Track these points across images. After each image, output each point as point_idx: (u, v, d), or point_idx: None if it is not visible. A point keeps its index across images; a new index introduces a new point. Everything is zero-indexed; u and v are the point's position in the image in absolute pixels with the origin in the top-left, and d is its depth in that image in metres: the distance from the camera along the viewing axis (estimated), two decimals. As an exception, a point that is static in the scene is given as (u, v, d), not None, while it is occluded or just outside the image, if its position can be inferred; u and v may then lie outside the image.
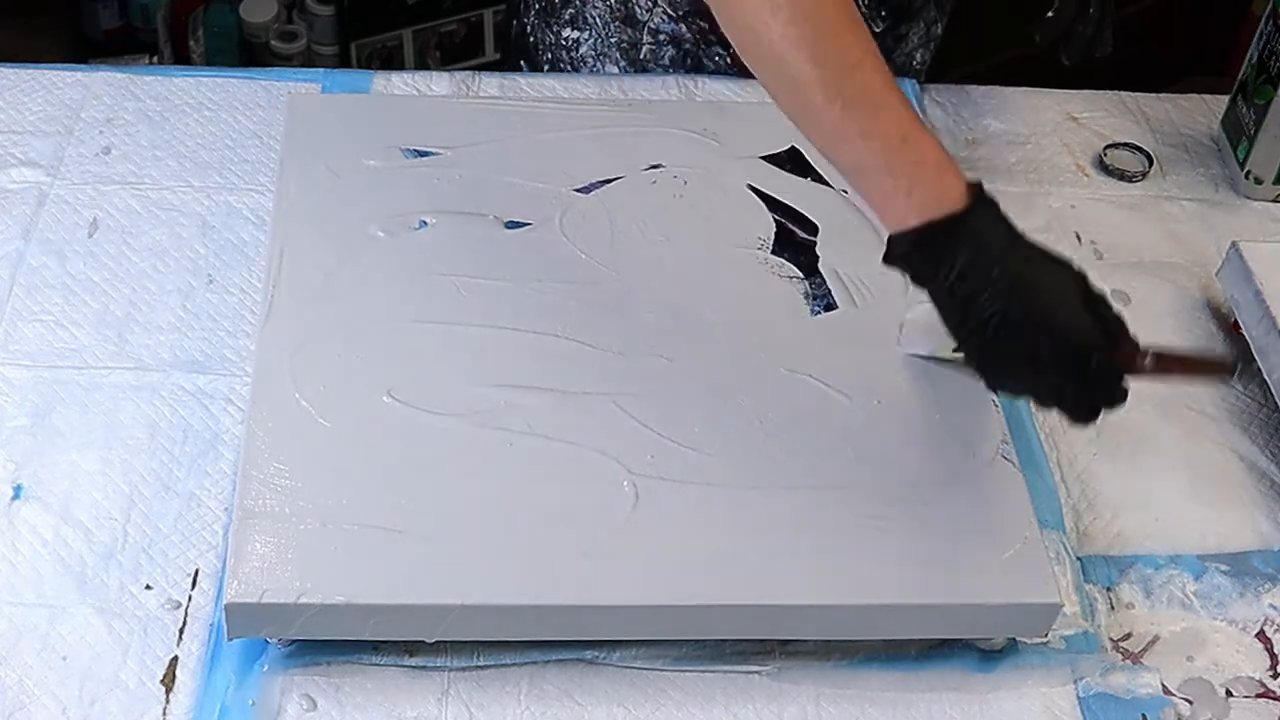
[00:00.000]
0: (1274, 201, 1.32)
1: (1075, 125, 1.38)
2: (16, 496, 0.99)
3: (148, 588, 0.95)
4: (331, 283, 1.06)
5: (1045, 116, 1.38)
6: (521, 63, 1.43)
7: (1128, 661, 0.97)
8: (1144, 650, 0.98)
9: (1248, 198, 1.32)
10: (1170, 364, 0.93)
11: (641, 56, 1.36)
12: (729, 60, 1.34)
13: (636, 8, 1.34)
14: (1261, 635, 0.99)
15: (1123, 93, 1.42)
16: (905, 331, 1.03)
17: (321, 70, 1.38)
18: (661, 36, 1.36)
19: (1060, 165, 1.34)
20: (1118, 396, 0.87)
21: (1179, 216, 1.30)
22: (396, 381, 0.99)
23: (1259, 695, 0.96)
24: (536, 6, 1.39)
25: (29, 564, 0.96)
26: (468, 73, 1.35)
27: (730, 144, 1.21)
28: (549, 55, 1.39)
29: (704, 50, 1.35)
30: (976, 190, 0.88)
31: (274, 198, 1.13)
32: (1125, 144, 1.35)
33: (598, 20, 1.35)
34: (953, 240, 0.86)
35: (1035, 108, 1.39)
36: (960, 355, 0.91)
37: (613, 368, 1.02)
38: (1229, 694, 0.96)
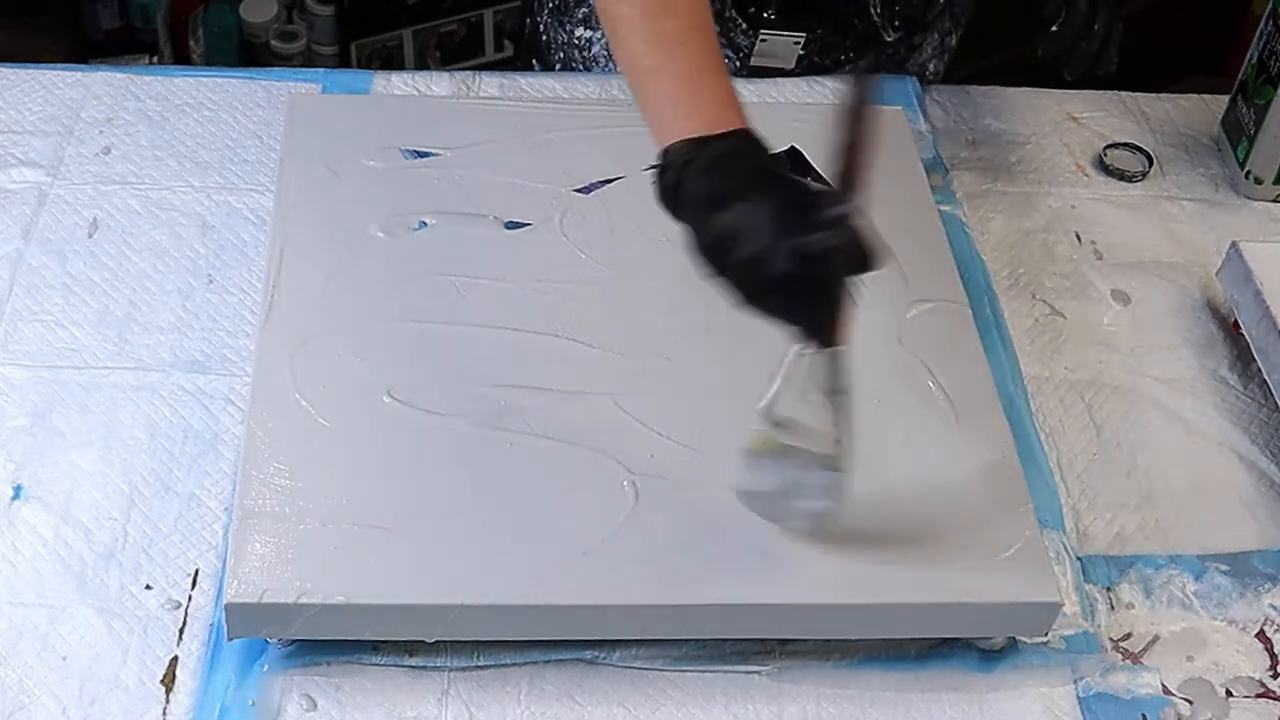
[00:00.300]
0: (1274, 201, 1.32)
1: (1075, 125, 1.38)
2: (16, 496, 0.99)
3: (148, 588, 0.95)
4: (331, 283, 1.06)
5: (1045, 116, 1.38)
6: (534, 61, 1.43)
7: (1128, 661, 0.97)
8: (1144, 650, 0.98)
9: (1248, 198, 1.32)
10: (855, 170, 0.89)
11: None
12: (738, 65, 1.34)
13: None
14: (1261, 635, 0.99)
15: (1123, 93, 1.42)
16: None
17: (321, 70, 1.38)
18: None
19: (1060, 165, 1.34)
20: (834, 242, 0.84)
21: (1179, 216, 1.30)
22: (396, 381, 0.99)
23: (1259, 695, 0.96)
24: (550, 5, 1.39)
25: (29, 564, 0.96)
26: (468, 73, 1.35)
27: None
28: (561, 54, 1.39)
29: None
30: (745, 129, 0.88)
31: (274, 198, 1.13)
32: (1125, 144, 1.35)
33: None
34: (700, 158, 0.86)
35: (1035, 108, 1.39)
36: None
37: (613, 368, 1.02)
38: (1229, 694, 0.96)
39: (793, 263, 0.83)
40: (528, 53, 1.44)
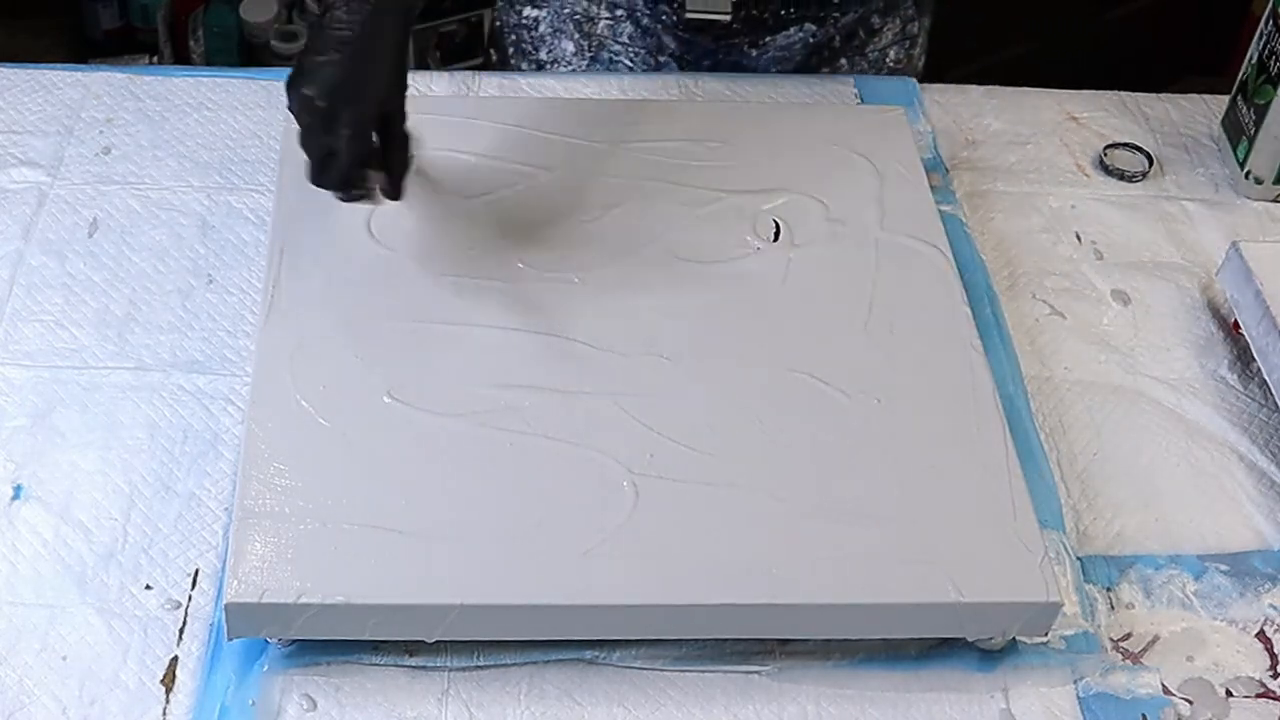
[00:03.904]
0: (1274, 201, 1.32)
1: (1075, 125, 1.38)
2: (16, 496, 0.99)
3: (148, 588, 0.95)
4: (331, 283, 1.06)
5: (1045, 116, 1.38)
6: (492, 52, 1.43)
7: (1128, 661, 0.97)
8: (1144, 650, 0.98)
9: (1248, 198, 1.32)
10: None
11: (599, 30, 1.36)
12: (675, 19, 1.33)
13: None
14: (1261, 635, 0.99)
15: (1123, 93, 1.42)
16: None
17: (321, 70, 1.38)
18: (619, 11, 1.35)
19: (1060, 165, 1.34)
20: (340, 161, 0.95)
21: (1179, 216, 1.30)
22: (396, 381, 0.99)
23: (1259, 695, 0.96)
24: None
25: (29, 564, 0.96)
26: (468, 73, 1.35)
27: (730, 143, 1.21)
28: (513, 37, 1.40)
29: (654, 12, 1.34)
30: None
31: (274, 198, 1.13)
32: (1125, 144, 1.35)
33: None
34: None
35: (1035, 108, 1.39)
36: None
37: (613, 368, 1.02)
38: (1229, 694, 0.96)
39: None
40: (490, 47, 1.44)
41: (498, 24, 1.42)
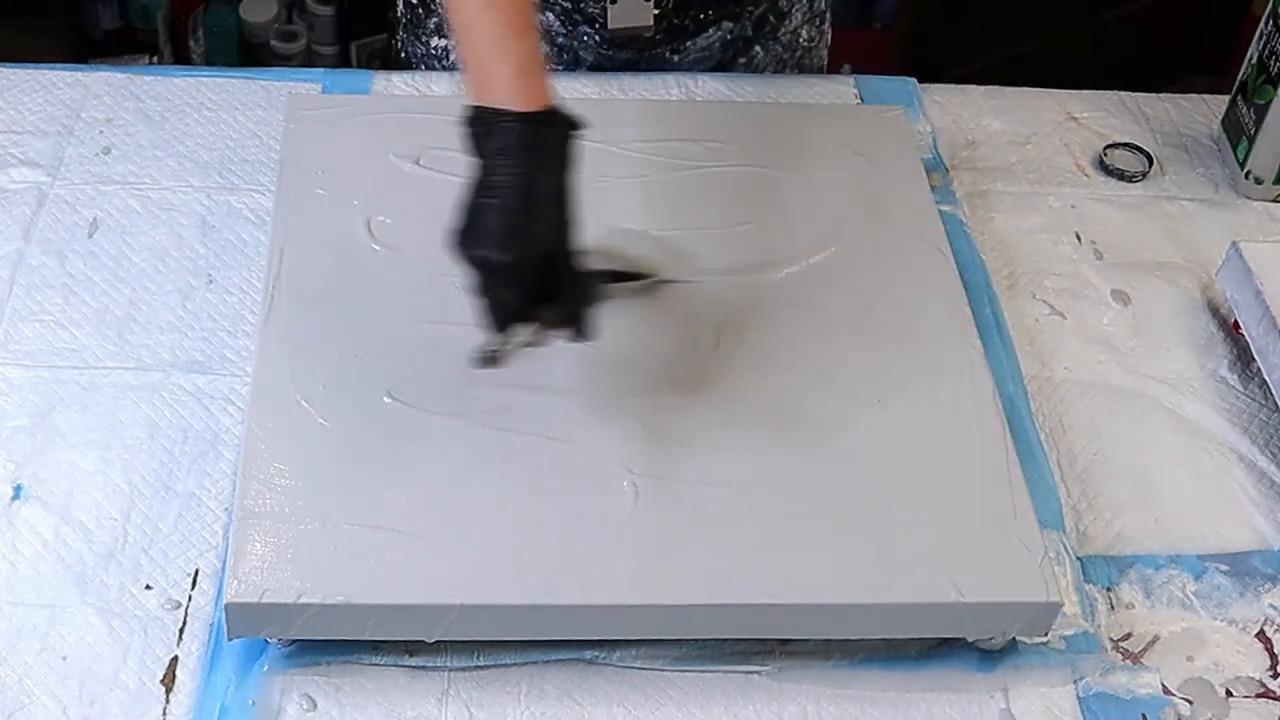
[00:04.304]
0: (1274, 201, 1.32)
1: (1075, 125, 1.38)
2: (16, 496, 0.99)
3: (148, 588, 0.95)
4: (331, 283, 1.06)
5: (1045, 116, 1.38)
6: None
7: (1128, 661, 0.97)
8: (1144, 650, 0.98)
9: (1248, 198, 1.32)
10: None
11: None
12: (599, 39, 1.34)
13: None
14: (1261, 635, 0.99)
15: (1123, 93, 1.42)
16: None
17: (321, 70, 1.38)
18: None
19: (1060, 165, 1.34)
20: (509, 312, 0.93)
21: (1179, 216, 1.30)
22: (396, 381, 0.99)
23: (1259, 695, 0.96)
24: (405, 19, 1.39)
25: (29, 564, 0.96)
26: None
27: (730, 143, 1.21)
28: (422, 68, 1.39)
29: (575, 30, 1.34)
30: (557, 109, 0.93)
31: (274, 198, 1.13)
32: (1125, 144, 1.35)
33: None
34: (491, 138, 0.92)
35: (1035, 108, 1.39)
36: None
37: (612, 368, 1.02)
38: (1229, 694, 0.96)
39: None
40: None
41: (402, 55, 1.41)
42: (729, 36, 1.36)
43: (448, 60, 1.38)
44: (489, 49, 0.94)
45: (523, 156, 0.91)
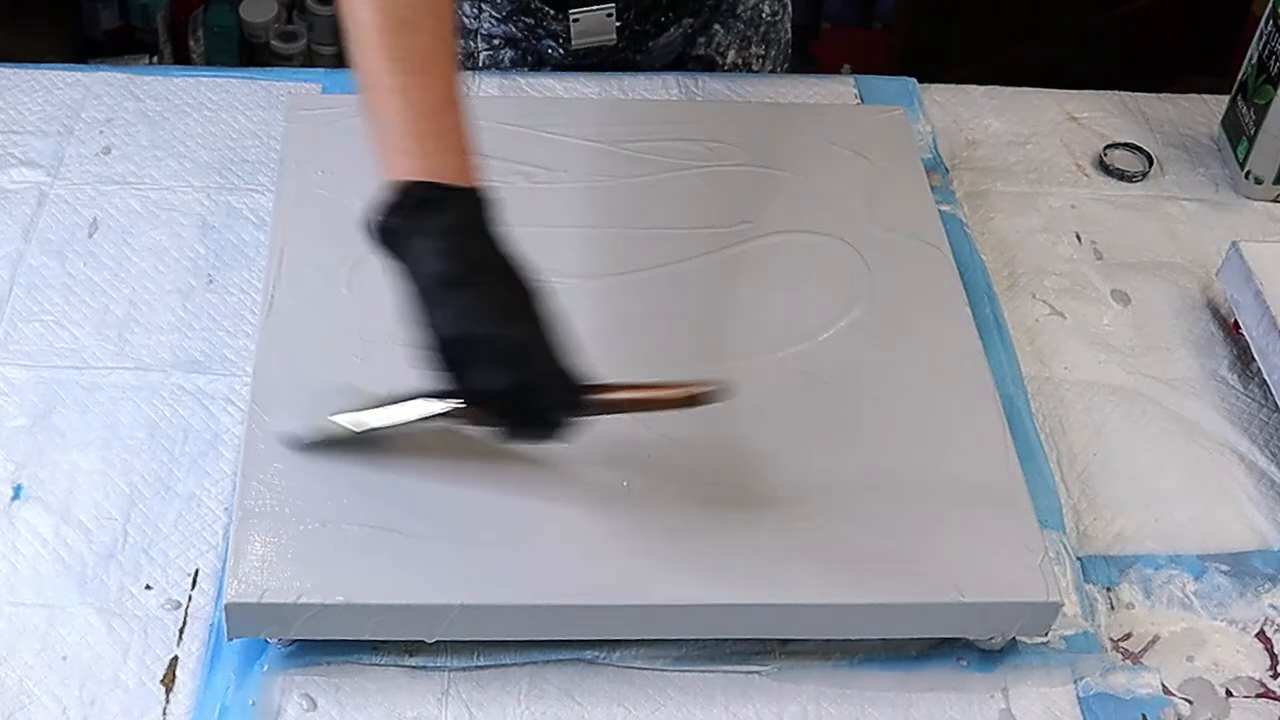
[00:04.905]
0: (1274, 201, 1.32)
1: (1075, 125, 1.38)
2: (16, 496, 0.99)
3: (148, 588, 0.95)
4: (331, 283, 1.06)
5: (1045, 116, 1.38)
6: None
7: (1128, 661, 0.97)
8: (1144, 650, 0.98)
9: (1248, 198, 1.32)
10: (619, 402, 0.91)
11: (480, 65, 1.37)
12: (563, 52, 1.34)
13: (463, 17, 1.34)
14: (1261, 635, 0.99)
15: (1123, 93, 1.42)
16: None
17: (321, 70, 1.38)
18: (495, 40, 1.36)
19: (1060, 165, 1.34)
20: (551, 415, 0.86)
21: (1179, 216, 1.30)
22: (396, 382, 0.99)
23: (1259, 695, 0.96)
24: None
25: (29, 564, 0.96)
26: (467, 73, 1.35)
27: (730, 143, 1.21)
28: None
29: (538, 44, 1.35)
30: (475, 189, 0.87)
31: (274, 198, 1.13)
32: (1125, 144, 1.35)
33: None
34: (431, 221, 0.85)
35: (1035, 108, 1.39)
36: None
37: (612, 367, 1.02)
38: (1229, 694, 0.96)
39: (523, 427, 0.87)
40: None
41: None
42: (689, 31, 1.37)
43: (473, 63, 1.38)
44: (414, 124, 0.88)
45: (481, 234, 0.86)
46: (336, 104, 1.24)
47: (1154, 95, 1.42)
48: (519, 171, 1.16)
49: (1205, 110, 1.41)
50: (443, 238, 0.85)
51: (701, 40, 1.39)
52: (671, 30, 1.36)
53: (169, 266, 1.15)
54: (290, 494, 0.92)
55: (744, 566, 0.91)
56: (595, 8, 1.30)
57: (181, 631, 0.93)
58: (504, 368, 0.85)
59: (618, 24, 1.32)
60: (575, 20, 1.30)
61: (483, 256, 0.86)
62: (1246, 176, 1.32)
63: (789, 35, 1.46)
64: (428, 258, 0.85)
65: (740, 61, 1.41)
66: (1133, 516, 1.05)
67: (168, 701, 0.90)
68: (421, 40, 0.90)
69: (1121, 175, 1.33)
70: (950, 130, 1.35)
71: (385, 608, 0.89)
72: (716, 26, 1.39)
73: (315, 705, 0.90)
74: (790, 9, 1.46)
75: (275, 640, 0.92)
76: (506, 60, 1.37)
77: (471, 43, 1.36)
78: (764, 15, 1.42)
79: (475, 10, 1.34)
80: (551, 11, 1.32)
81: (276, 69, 1.51)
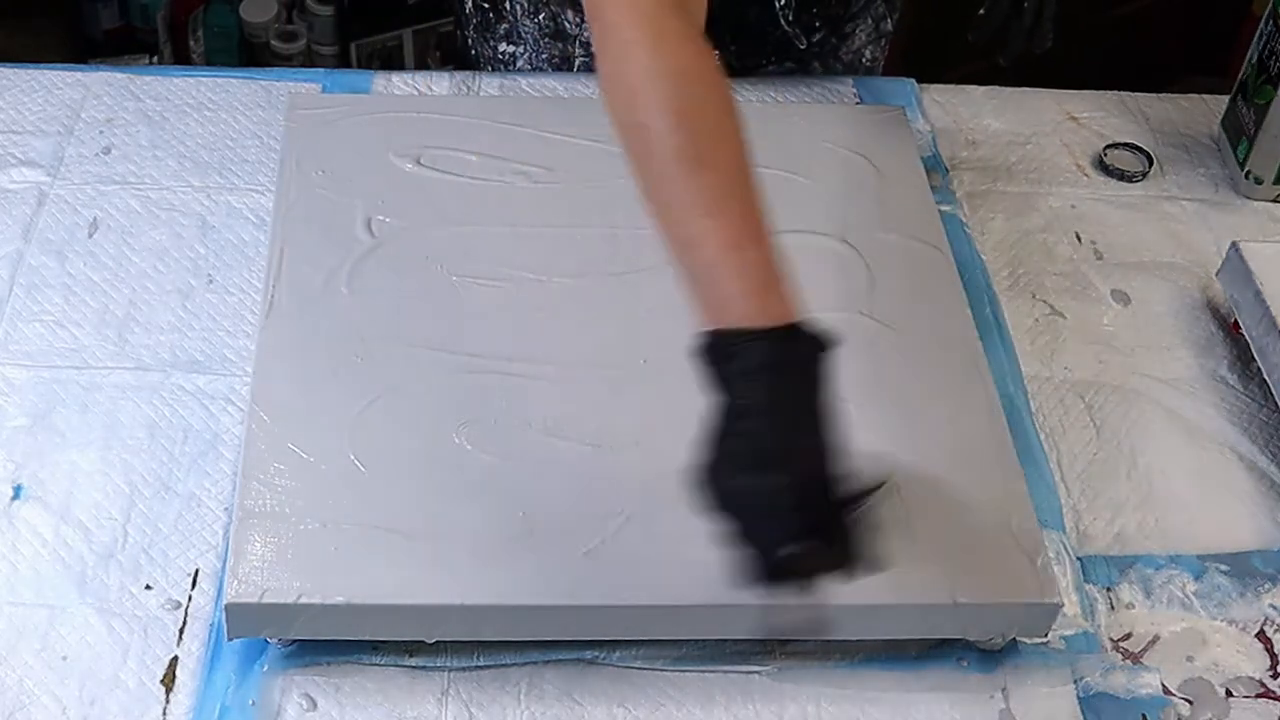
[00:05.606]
0: (1274, 201, 1.32)
1: (1075, 125, 1.38)
2: (16, 496, 0.99)
3: (148, 588, 0.95)
4: (331, 282, 1.06)
5: (1045, 116, 1.38)
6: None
7: (1128, 661, 0.97)
8: (1144, 650, 0.98)
9: (1248, 198, 1.32)
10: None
11: (575, 69, 1.36)
12: None
13: (565, 22, 1.34)
14: (1261, 635, 0.99)
15: (1123, 93, 1.42)
16: None
17: (321, 70, 1.38)
18: (594, 49, 1.35)
19: (1060, 165, 1.34)
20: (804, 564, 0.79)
21: (1179, 216, 1.30)
22: (397, 381, 0.99)
23: (1259, 695, 0.96)
24: (475, 20, 1.39)
25: (29, 564, 0.96)
26: (468, 73, 1.35)
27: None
28: (489, 69, 1.39)
29: None
30: (802, 325, 0.83)
31: (274, 198, 1.13)
32: (1125, 144, 1.35)
33: (530, 36, 1.35)
34: (749, 357, 0.81)
35: (1035, 108, 1.39)
36: None
37: (612, 368, 1.02)
38: (1229, 694, 0.96)
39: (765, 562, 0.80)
40: (462, 67, 1.43)
41: (472, 53, 1.41)
42: (791, 71, 1.37)
43: (514, 67, 1.37)
44: (718, 266, 0.82)
45: (770, 377, 0.80)
46: (336, 104, 1.24)
47: (1154, 95, 1.42)
48: (519, 171, 1.16)
49: (1205, 110, 1.41)
50: (735, 383, 0.81)
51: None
52: (771, 69, 1.36)
53: (169, 266, 1.15)
54: (290, 494, 0.92)
55: (744, 566, 0.91)
56: None
57: (181, 631, 0.93)
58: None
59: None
60: None
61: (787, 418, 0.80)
62: (1246, 176, 1.31)
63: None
64: (743, 390, 0.81)
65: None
66: (1133, 516, 1.05)
67: (168, 701, 0.90)
68: (718, 177, 0.85)
69: (1121, 175, 1.33)
70: (950, 130, 1.35)
71: (385, 608, 0.89)
72: (816, 64, 1.39)
73: (315, 705, 0.90)
74: (886, 51, 1.44)
75: (275, 640, 0.92)
76: None
77: (570, 47, 1.35)
78: (864, 60, 1.42)
79: (578, 19, 1.32)
80: None
81: (276, 69, 1.51)
